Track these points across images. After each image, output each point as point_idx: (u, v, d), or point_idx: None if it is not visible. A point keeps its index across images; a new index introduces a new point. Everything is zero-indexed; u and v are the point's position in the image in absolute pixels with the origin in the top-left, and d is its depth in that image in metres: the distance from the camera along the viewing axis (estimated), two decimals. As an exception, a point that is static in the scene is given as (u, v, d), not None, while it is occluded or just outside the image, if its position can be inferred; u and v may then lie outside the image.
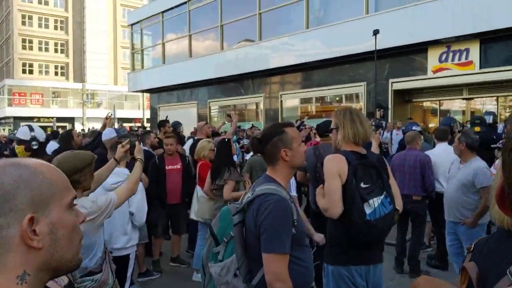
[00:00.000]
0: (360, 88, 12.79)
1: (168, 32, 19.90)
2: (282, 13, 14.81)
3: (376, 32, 6.94)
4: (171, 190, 4.97)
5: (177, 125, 8.51)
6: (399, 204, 2.49)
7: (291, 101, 15.65)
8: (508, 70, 9.82)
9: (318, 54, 13.00)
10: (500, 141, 4.62)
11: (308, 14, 13.58)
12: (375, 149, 3.54)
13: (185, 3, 18.11)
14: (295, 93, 15.12)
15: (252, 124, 13.64)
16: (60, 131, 13.05)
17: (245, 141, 10.67)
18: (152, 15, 20.29)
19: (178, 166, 5.06)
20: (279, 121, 15.14)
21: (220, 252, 1.96)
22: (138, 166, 2.86)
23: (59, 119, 32.11)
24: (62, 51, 40.88)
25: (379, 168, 2.42)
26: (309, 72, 14.14)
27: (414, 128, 6.06)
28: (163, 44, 19.96)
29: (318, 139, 5.41)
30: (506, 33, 9.43)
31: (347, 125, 2.49)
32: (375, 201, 2.30)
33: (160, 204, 4.93)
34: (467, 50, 10.36)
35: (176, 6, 18.68)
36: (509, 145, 0.53)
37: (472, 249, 1.02)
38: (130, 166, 3.43)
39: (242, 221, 1.86)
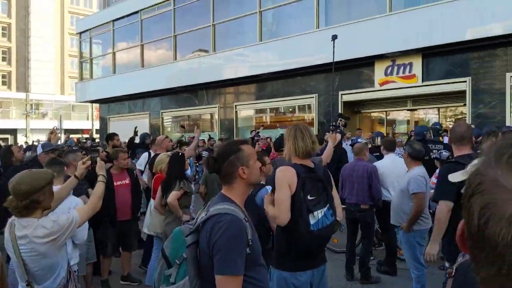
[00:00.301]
0: (312, 100, 13.12)
1: (119, 41, 19.41)
2: (236, 25, 14.94)
3: (334, 38, 7.09)
4: (121, 206, 4.80)
5: (145, 136, 8.27)
6: (339, 215, 2.72)
7: (245, 111, 15.74)
8: (447, 83, 10.47)
9: (271, 66, 13.21)
10: (438, 152, 4.89)
11: (261, 27, 13.79)
12: (330, 148, 3.85)
13: (137, 12, 17.78)
14: (249, 104, 15.22)
15: (209, 135, 13.55)
16: (2, 144, 12.27)
17: (204, 153, 10.58)
18: (102, 24, 19.72)
19: (127, 181, 4.92)
20: (234, 131, 15.18)
21: (172, 274, 1.91)
22: (100, 183, 2.81)
23: (0, 131, 30.22)
24: (4, 59, 38.65)
25: (324, 181, 2.61)
26: (263, 83, 14.31)
27: (360, 140, 6.30)
28: (114, 54, 19.43)
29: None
30: (446, 48, 10.07)
31: (290, 141, 2.69)
32: (319, 213, 2.49)
33: (110, 221, 4.74)
34: (411, 64, 10.94)
35: (127, 15, 18.30)
36: (468, 192, 0.54)
37: (453, 274, 0.96)
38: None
39: (195, 242, 1.82)
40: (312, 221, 2.45)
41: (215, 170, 1.95)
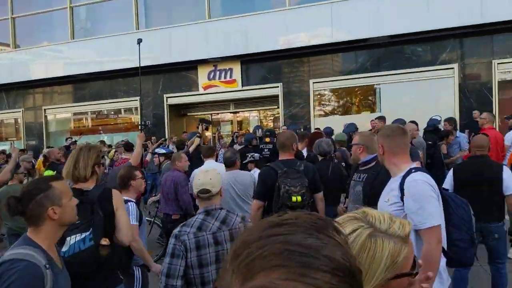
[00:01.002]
0: (136, 103, 12.56)
1: None
2: (45, 19, 13.18)
3: (139, 41, 7.04)
4: None
5: None
6: (120, 236, 2.50)
7: (60, 115, 14.06)
8: (263, 88, 11.37)
9: (89, 66, 12.14)
10: (250, 155, 5.18)
11: (73, 23, 12.52)
12: (138, 148, 4.24)
13: None
14: (63, 106, 13.64)
15: (12, 143, 11.60)
16: None
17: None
18: None
19: None
20: (44, 137, 13.42)
21: None
22: None
23: None
24: None
25: (95, 205, 2.43)
26: (82, 84, 13.04)
27: (162, 150, 6.30)
28: None
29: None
30: (261, 56, 10.91)
31: None
32: (74, 238, 2.33)
33: None
34: (231, 70, 11.49)
35: None
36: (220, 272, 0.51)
37: None
38: None
39: None
40: (64, 248, 2.29)
41: (19, 212, 1.72)
